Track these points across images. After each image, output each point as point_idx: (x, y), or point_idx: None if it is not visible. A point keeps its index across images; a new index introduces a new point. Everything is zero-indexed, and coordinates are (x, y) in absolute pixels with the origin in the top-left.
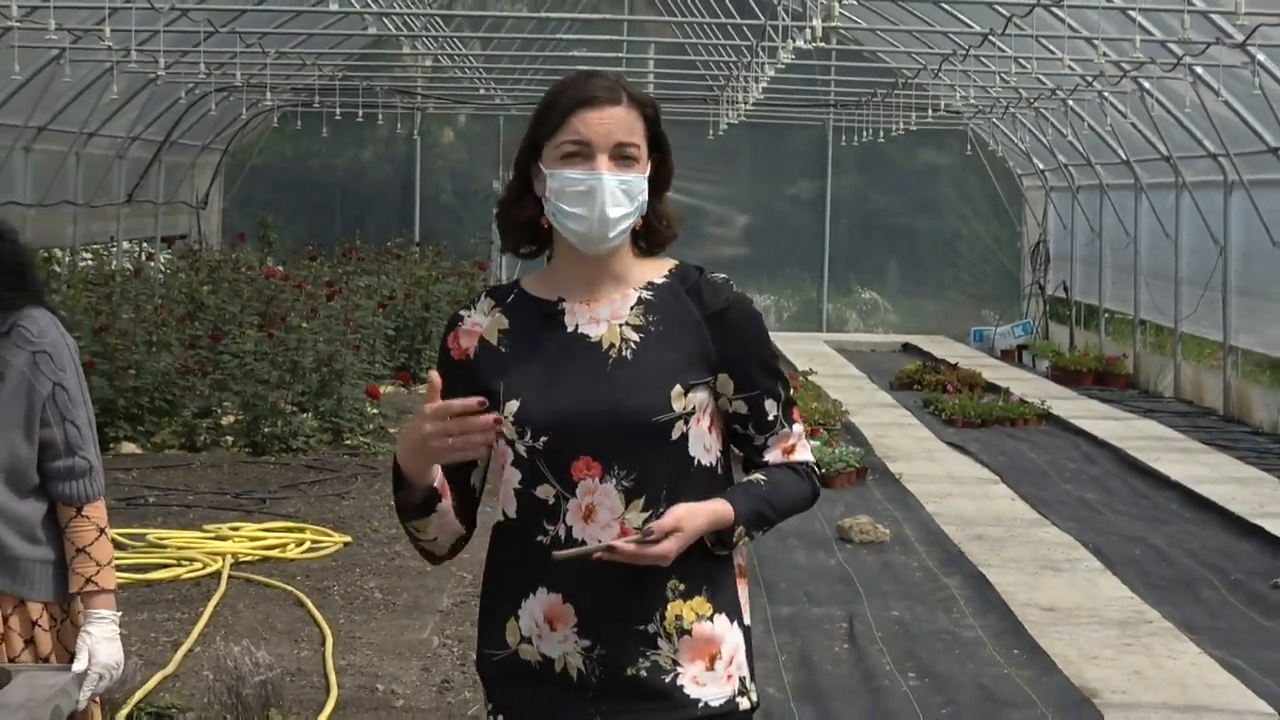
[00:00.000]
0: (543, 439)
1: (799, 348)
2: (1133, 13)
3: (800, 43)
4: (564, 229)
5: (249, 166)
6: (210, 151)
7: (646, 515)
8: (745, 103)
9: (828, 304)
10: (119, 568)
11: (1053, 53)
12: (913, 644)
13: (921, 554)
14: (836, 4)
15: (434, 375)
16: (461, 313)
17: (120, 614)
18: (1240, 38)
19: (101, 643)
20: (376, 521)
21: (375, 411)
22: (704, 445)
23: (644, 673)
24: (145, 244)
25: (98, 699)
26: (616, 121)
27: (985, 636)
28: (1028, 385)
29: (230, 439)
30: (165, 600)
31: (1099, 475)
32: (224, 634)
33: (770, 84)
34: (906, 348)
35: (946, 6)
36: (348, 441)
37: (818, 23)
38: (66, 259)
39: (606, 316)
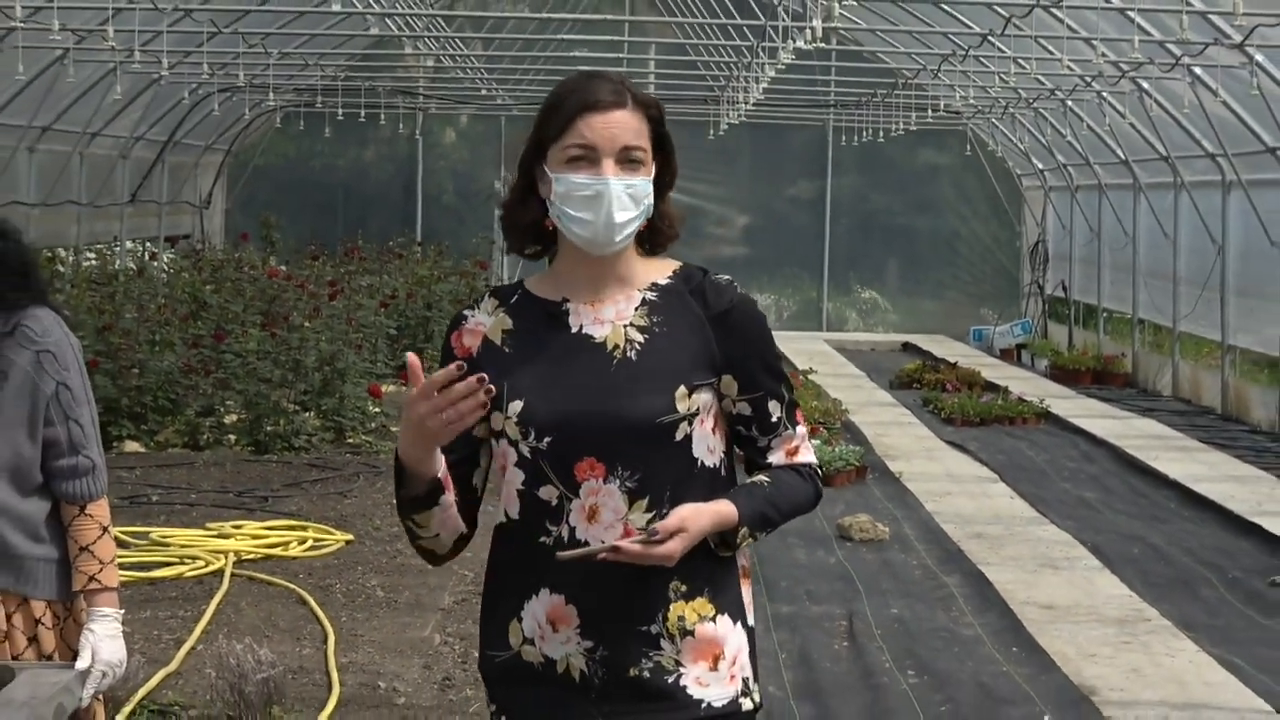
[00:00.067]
0: (546, 439)
1: (799, 347)
2: (1131, 13)
3: (800, 43)
4: (570, 233)
5: (252, 166)
6: (213, 151)
7: (650, 516)
8: (745, 103)
9: (828, 303)
10: (122, 566)
11: (1051, 53)
12: (912, 642)
13: (921, 552)
14: (836, 4)
15: (411, 357)
16: (465, 312)
17: (123, 612)
18: (1238, 38)
19: (104, 640)
20: (378, 520)
21: (377, 410)
22: (708, 446)
23: (647, 673)
24: (149, 244)
25: (101, 696)
26: (622, 125)
27: (984, 634)
28: (1027, 384)
29: (233, 438)
30: (168, 598)
31: (1097, 474)
32: (226, 632)
33: (770, 84)
34: (906, 347)
35: (946, 7)
36: (350, 440)
37: (818, 23)
38: (70, 259)
39: (611, 317)
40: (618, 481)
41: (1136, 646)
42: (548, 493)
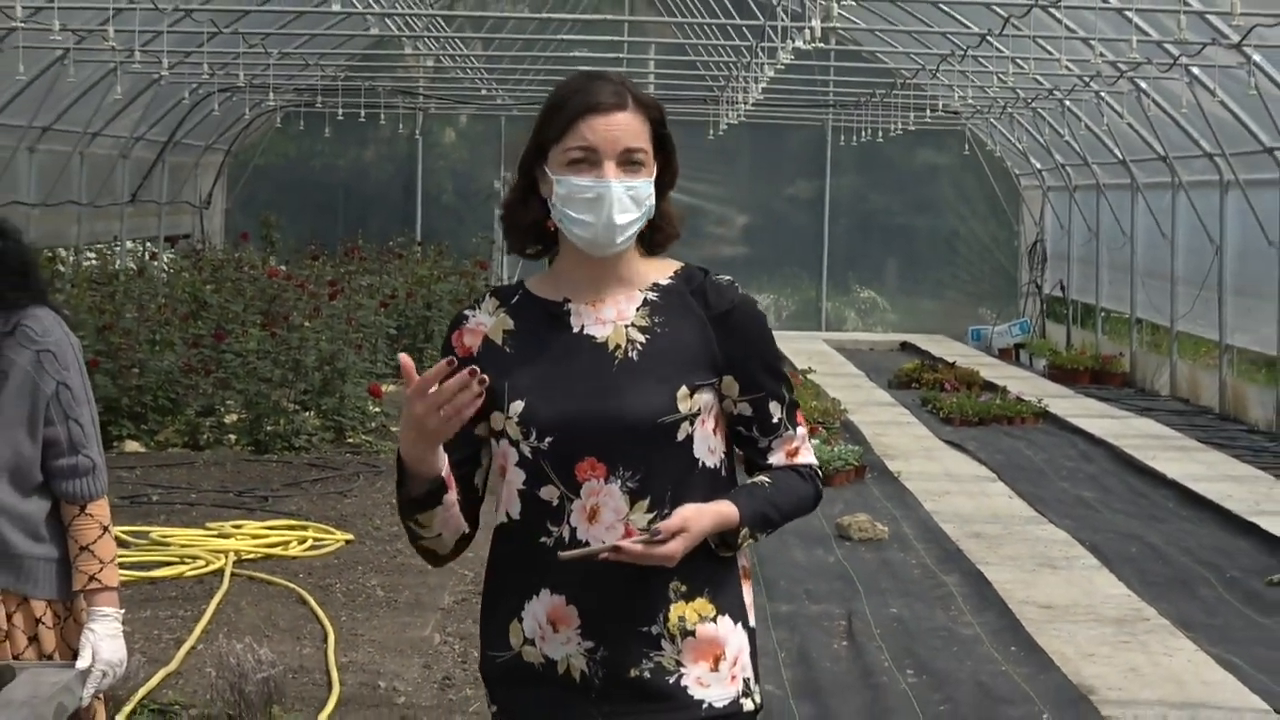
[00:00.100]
0: (547, 440)
1: (798, 346)
2: (1129, 13)
3: (799, 43)
4: (571, 234)
5: (252, 166)
6: (213, 151)
7: (651, 516)
8: (745, 103)
9: (826, 303)
10: (122, 565)
11: (1050, 53)
12: (911, 641)
13: (920, 551)
14: (835, 5)
15: (404, 358)
16: (466, 312)
17: (123, 611)
18: (1236, 38)
19: (105, 640)
20: (378, 519)
21: (377, 410)
22: (708, 447)
23: (647, 674)
24: (149, 243)
25: (101, 696)
26: (623, 127)
27: (983, 634)
28: (1025, 384)
29: (233, 437)
30: (168, 598)
31: (1096, 473)
32: (226, 631)
33: (769, 84)
34: (905, 346)
35: (944, 7)
36: (350, 440)
37: (817, 23)
38: (70, 258)
39: (612, 317)
40: (619, 482)
41: (1135, 646)
42: (548, 493)
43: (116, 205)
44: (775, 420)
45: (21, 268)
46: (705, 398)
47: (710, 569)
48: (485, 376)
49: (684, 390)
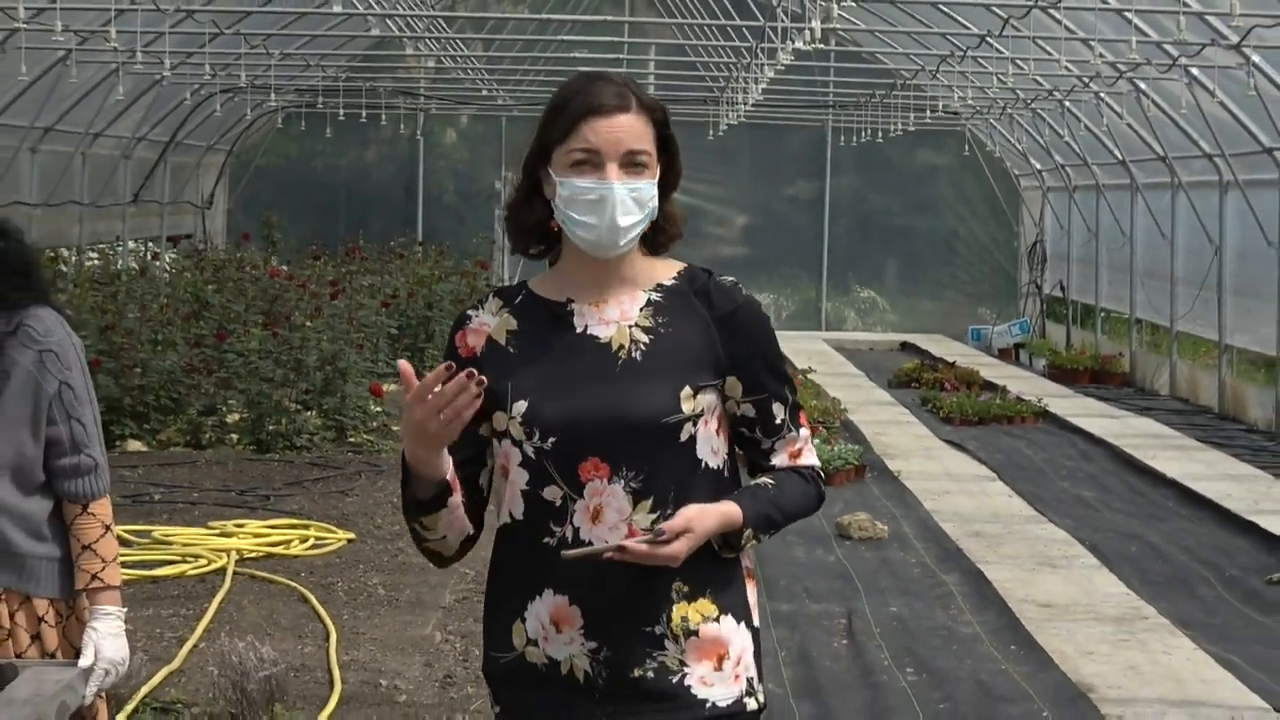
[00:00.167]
0: (551, 440)
1: (798, 346)
2: (1129, 14)
3: (799, 44)
4: (574, 236)
5: (253, 167)
6: (215, 152)
7: (654, 516)
8: (745, 103)
9: (826, 303)
10: (125, 564)
11: (1049, 54)
12: (911, 640)
13: (920, 551)
14: (835, 5)
15: (402, 364)
16: (469, 312)
17: (126, 610)
18: (1235, 39)
19: (107, 638)
20: (380, 518)
21: (378, 409)
22: (711, 448)
23: (651, 674)
24: (151, 243)
25: (103, 694)
26: (626, 129)
27: (983, 632)
28: (1025, 383)
29: (235, 437)
30: (170, 596)
31: (1095, 473)
32: (228, 630)
33: (769, 85)
34: (905, 346)
35: (944, 8)
36: (351, 439)
37: (816, 24)
38: (73, 258)
39: (615, 318)
40: (622, 482)
41: (1134, 644)
42: (552, 493)
43: (118, 205)
44: (778, 421)
45: (24, 268)
46: (708, 398)
47: (713, 569)
48: (483, 378)
49: (687, 390)
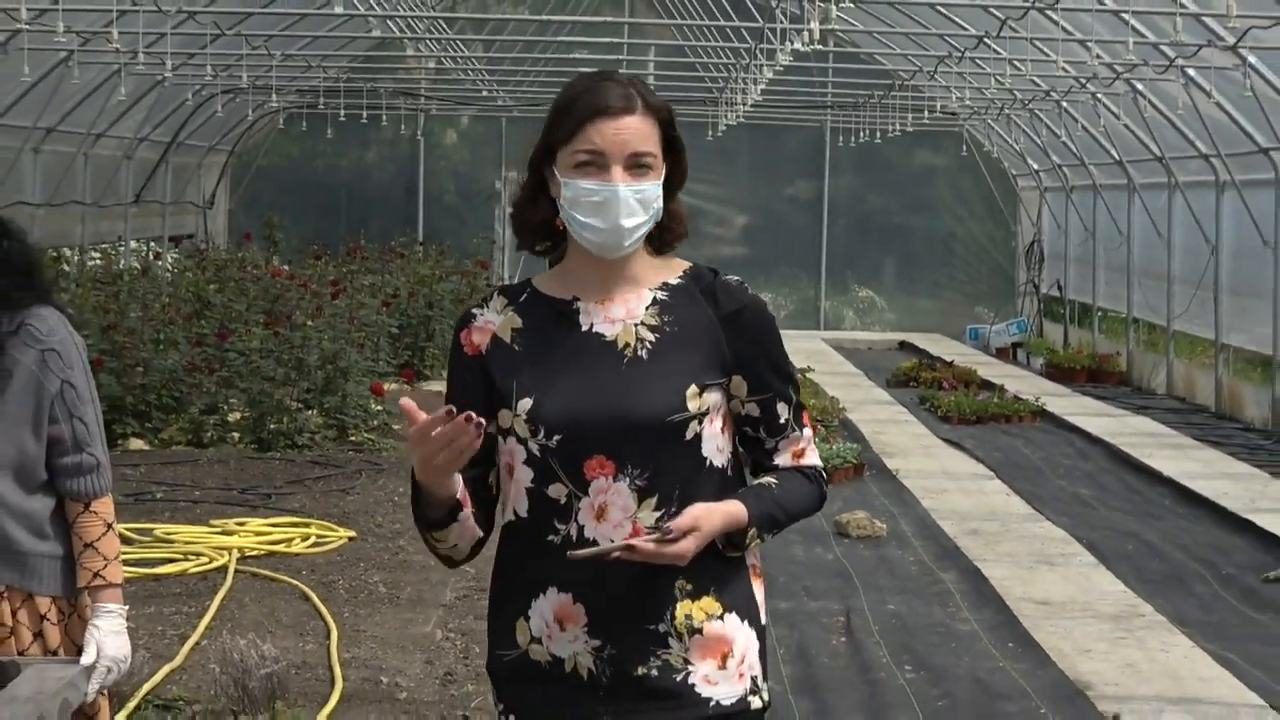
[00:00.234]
0: (556, 438)
1: (797, 345)
2: (1126, 15)
3: (798, 45)
4: (579, 237)
5: (255, 167)
6: (217, 152)
7: (659, 515)
8: (744, 104)
9: (825, 302)
10: (126, 562)
11: (1047, 55)
12: (909, 637)
13: (918, 549)
14: (833, 7)
15: (404, 402)
16: (474, 310)
17: (127, 608)
18: (1231, 40)
19: (109, 636)
20: (381, 517)
21: (379, 408)
22: (717, 446)
23: (655, 672)
24: (153, 243)
25: (105, 692)
26: (631, 131)
27: (981, 630)
28: (1022, 382)
29: (236, 435)
30: (172, 594)
31: (1093, 471)
32: (230, 627)
33: (768, 86)
34: (903, 345)
35: (942, 9)
36: (352, 438)
37: (815, 25)
38: (75, 258)
39: (622, 316)
40: (627, 480)
41: (1131, 642)
42: (556, 491)
43: (121, 205)
44: (782, 421)
45: (26, 267)
46: (714, 397)
47: (717, 567)
48: (482, 420)
49: (693, 389)
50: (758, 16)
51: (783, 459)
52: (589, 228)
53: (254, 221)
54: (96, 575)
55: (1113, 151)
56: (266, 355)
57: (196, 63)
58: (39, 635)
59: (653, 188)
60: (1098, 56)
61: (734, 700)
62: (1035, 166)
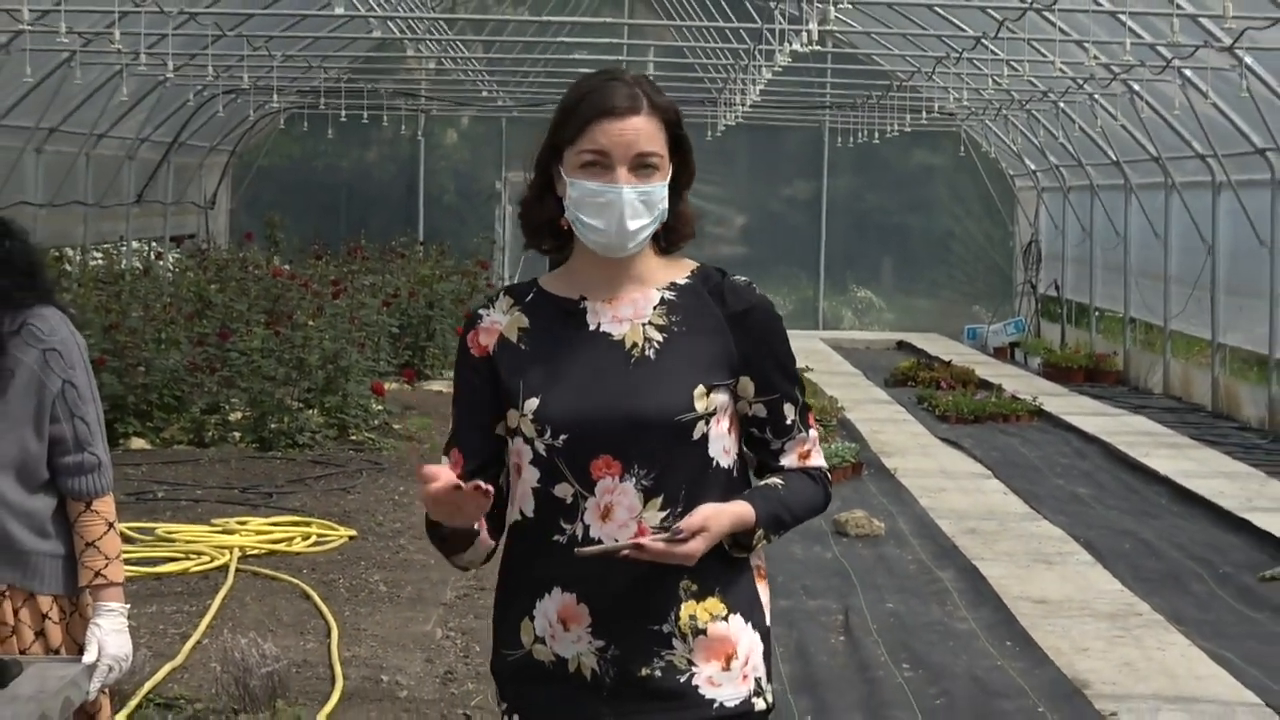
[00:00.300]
0: (562, 437)
1: (795, 345)
2: (1123, 16)
3: (796, 46)
4: (584, 237)
5: (256, 167)
6: (218, 152)
7: (665, 515)
8: (743, 104)
9: (824, 302)
10: (128, 561)
11: (1044, 56)
12: (907, 636)
13: (916, 547)
14: (832, 8)
15: (423, 471)
16: (480, 311)
17: (129, 607)
18: (1228, 41)
19: (110, 635)
20: (381, 516)
21: (380, 408)
22: (723, 447)
23: (659, 673)
24: (154, 243)
25: (107, 690)
26: (637, 132)
27: (978, 629)
28: (1020, 382)
29: (237, 435)
30: (174, 593)
31: (1090, 470)
32: (231, 626)
33: (767, 86)
34: (901, 345)
35: (940, 10)
36: (353, 437)
37: (814, 26)
38: (77, 258)
39: (629, 315)
40: (633, 480)
41: (1128, 640)
42: (563, 490)
43: (122, 206)
44: (789, 422)
45: (28, 267)
46: (721, 398)
47: (721, 568)
48: (490, 489)
49: (701, 389)
50: (756, 17)
51: (788, 460)
52: (594, 228)
53: (255, 221)
54: (98, 574)
55: (1110, 152)
56: (267, 355)
57: (198, 63)
58: (41, 634)
59: (658, 189)
60: (1095, 57)
61: (737, 702)
62: (1033, 167)
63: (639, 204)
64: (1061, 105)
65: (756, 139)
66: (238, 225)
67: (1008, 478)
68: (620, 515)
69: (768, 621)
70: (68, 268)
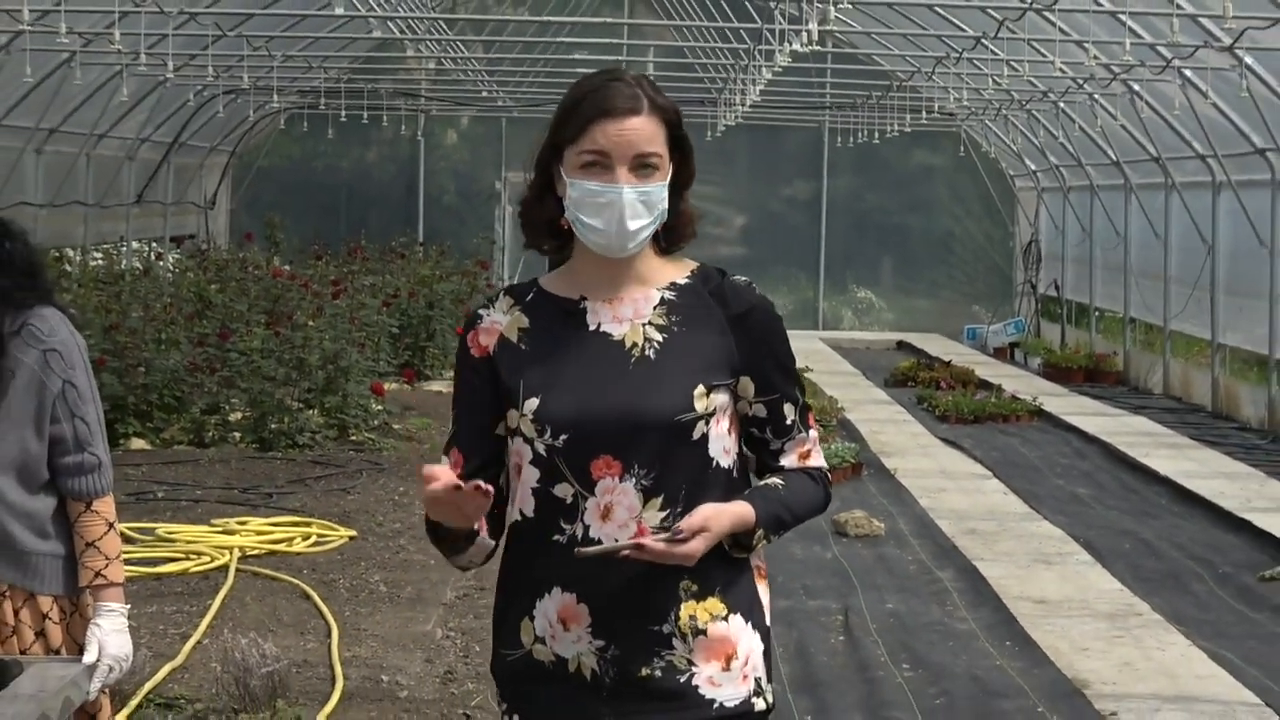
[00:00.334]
0: (562, 437)
1: (795, 345)
2: (1123, 16)
3: (796, 46)
4: (584, 237)
5: (256, 167)
6: (218, 153)
7: (664, 515)
8: (743, 105)
9: (823, 302)
10: (128, 561)
11: (1044, 56)
12: (907, 636)
13: (915, 548)
14: (832, 8)
15: (424, 471)
16: (480, 311)
17: (129, 607)
18: (1228, 41)
19: (111, 635)
20: (381, 516)
21: (380, 408)
22: (723, 447)
23: (658, 673)
24: (154, 244)
25: (107, 690)
26: (637, 132)
27: (978, 629)
28: (1020, 382)
29: (238, 435)
30: (174, 593)
31: (1090, 470)
32: (231, 626)
33: (767, 86)
34: (901, 345)
35: (940, 10)
36: (353, 437)
37: (814, 26)
38: (77, 258)
39: (629, 315)
40: (633, 480)
41: (1128, 640)
42: (563, 490)
43: (122, 206)
44: (789, 422)
45: (29, 268)
46: (721, 398)
47: (722, 568)
48: (490, 489)
49: (701, 389)
50: (756, 17)
51: (789, 460)
52: (593, 228)
53: (255, 222)
54: (98, 574)
55: (1110, 152)
56: (268, 355)
57: (198, 64)
58: (41, 634)
59: (658, 189)
60: (1095, 57)
61: (737, 702)
62: (1033, 167)
63: (639, 204)
64: (1061, 105)
65: (756, 139)
66: (238, 225)
67: (1007, 478)
68: (620, 515)
69: (768, 621)
70: (68, 268)
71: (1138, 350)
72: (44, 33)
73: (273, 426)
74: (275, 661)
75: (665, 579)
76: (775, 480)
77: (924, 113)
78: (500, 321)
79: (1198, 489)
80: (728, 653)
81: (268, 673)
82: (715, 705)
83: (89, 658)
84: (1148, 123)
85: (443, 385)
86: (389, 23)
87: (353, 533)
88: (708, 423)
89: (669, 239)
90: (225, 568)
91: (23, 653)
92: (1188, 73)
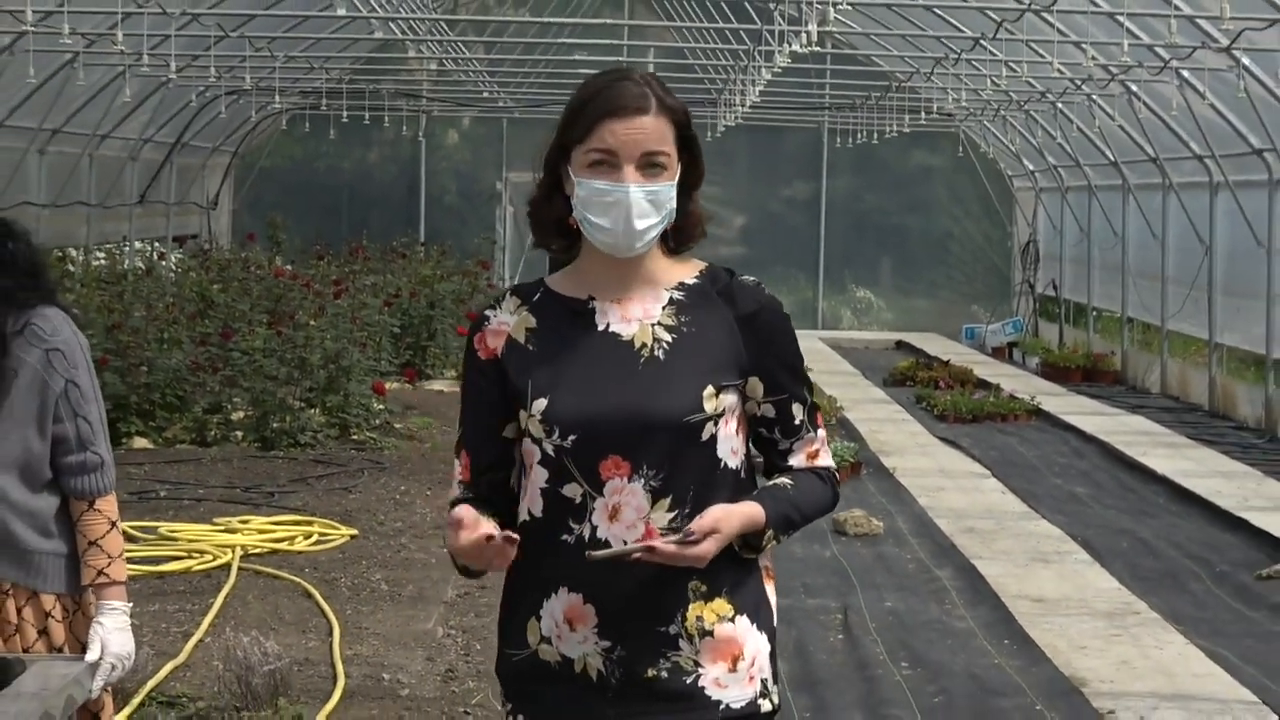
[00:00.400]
0: (571, 438)
1: None
2: (1121, 17)
3: (796, 47)
4: (591, 237)
5: (258, 168)
6: (220, 153)
7: (672, 515)
8: (742, 105)
9: (823, 302)
10: (130, 560)
11: (1042, 56)
12: (906, 634)
13: (914, 546)
14: (831, 9)
15: (455, 515)
16: (487, 313)
17: (132, 605)
18: (1225, 42)
19: (113, 633)
20: (382, 515)
21: (381, 407)
22: (731, 448)
23: (665, 674)
24: (157, 244)
25: (110, 688)
26: (645, 132)
27: (976, 627)
28: (1018, 382)
29: (240, 434)
30: (176, 592)
31: (1088, 469)
32: (233, 625)
33: (767, 87)
34: (900, 345)
35: (939, 11)
36: (354, 436)
37: (813, 27)
38: (80, 258)
39: (638, 316)
40: (642, 480)
41: (1126, 639)
42: (571, 491)
43: (125, 206)
44: (797, 422)
45: (31, 268)
46: (730, 399)
47: (730, 569)
48: (517, 537)
49: (710, 390)
50: (756, 18)
51: (797, 460)
52: (601, 228)
53: (257, 222)
54: (101, 573)
55: (1108, 152)
56: (269, 354)
57: (200, 64)
58: (44, 633)
59: (665, 188)
60: (1093, 58)
61: (744, 703)
62: (1031, 167)
63: (646, 203)
64: (1059, 106)
65: (756, 139)
66: (240, 226)
67: (1006, 477)
68: (628, 516)
69: (774, 623)
70: (71, 268)
71: (1135, 350)
72: (47, 34)
73: (275, 426)
74: (277, 660)
75: (674, 580)
76: (784, 480)
77: (923, 113)
78: (507, 322)
79: (1195, 488)
80: (734, 654)
81: (269, 671)
82: (721, 706)
83: (91, 656)
84: (1145, 123)
85: (444, 385)
86: (390, 24)
87: (354, 531)
88: (716, 423)
89: (678, 239)
90: (227, 566)
91: (25, 651)
92: (1185, 73)
